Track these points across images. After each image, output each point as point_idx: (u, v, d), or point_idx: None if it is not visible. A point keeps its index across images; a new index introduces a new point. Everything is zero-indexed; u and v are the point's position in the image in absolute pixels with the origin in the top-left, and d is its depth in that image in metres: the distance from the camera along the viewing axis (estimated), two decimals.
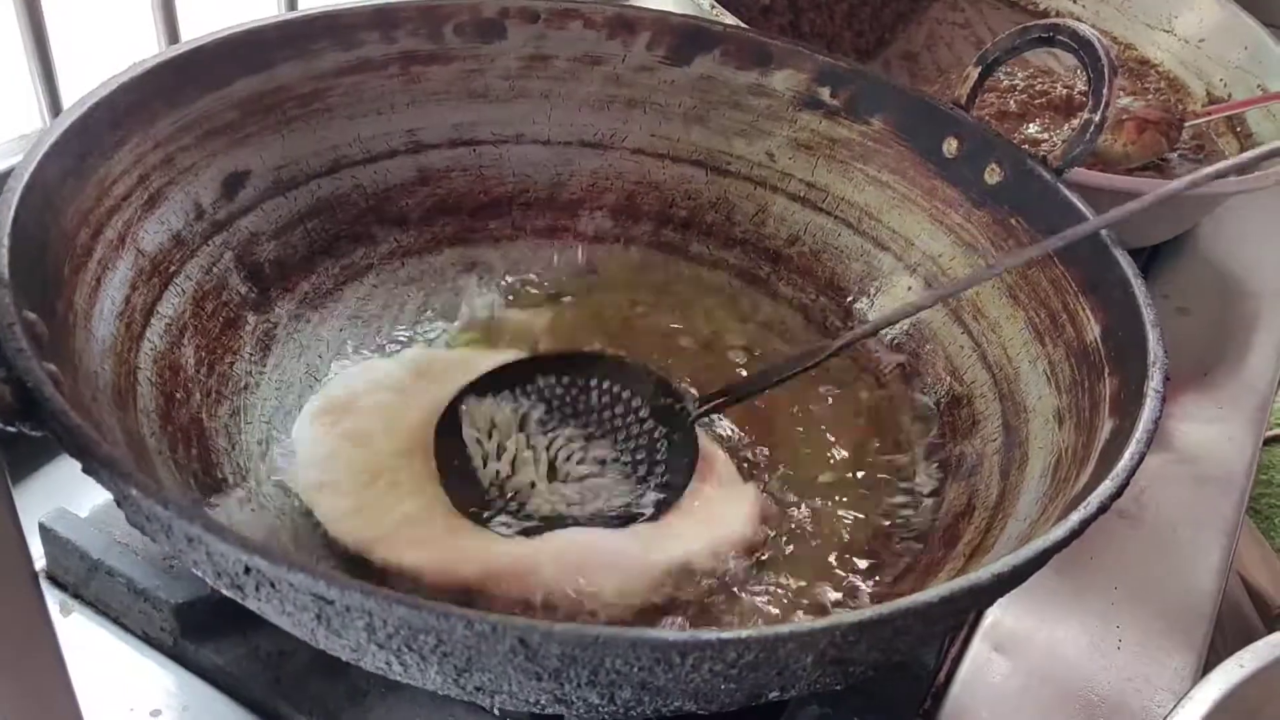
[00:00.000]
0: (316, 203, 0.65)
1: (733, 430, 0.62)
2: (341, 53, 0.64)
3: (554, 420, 0.59)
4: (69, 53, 0.68)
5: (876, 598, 0.54)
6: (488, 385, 0.59)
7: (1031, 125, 0.89)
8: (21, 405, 0.38)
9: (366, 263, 0.66)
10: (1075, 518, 0.42)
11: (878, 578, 0.55)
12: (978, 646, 0.59)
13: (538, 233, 0.72)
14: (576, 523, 0.54)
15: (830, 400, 0.65)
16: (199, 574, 0.39)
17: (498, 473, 0.56)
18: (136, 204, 0.54)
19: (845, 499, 0.60)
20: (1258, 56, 0.98)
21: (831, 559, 0.56)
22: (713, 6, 0.82)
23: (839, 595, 0.55)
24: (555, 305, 0.69)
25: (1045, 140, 0.87)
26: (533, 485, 0.56)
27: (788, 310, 0.71)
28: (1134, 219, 0.56)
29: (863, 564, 0.56)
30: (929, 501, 0.60)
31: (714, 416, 0.62)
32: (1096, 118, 0.60)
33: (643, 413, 0.59)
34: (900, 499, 0.60)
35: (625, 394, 0.59)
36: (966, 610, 0.54)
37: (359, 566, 0.52)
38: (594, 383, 0.59)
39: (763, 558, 0.56)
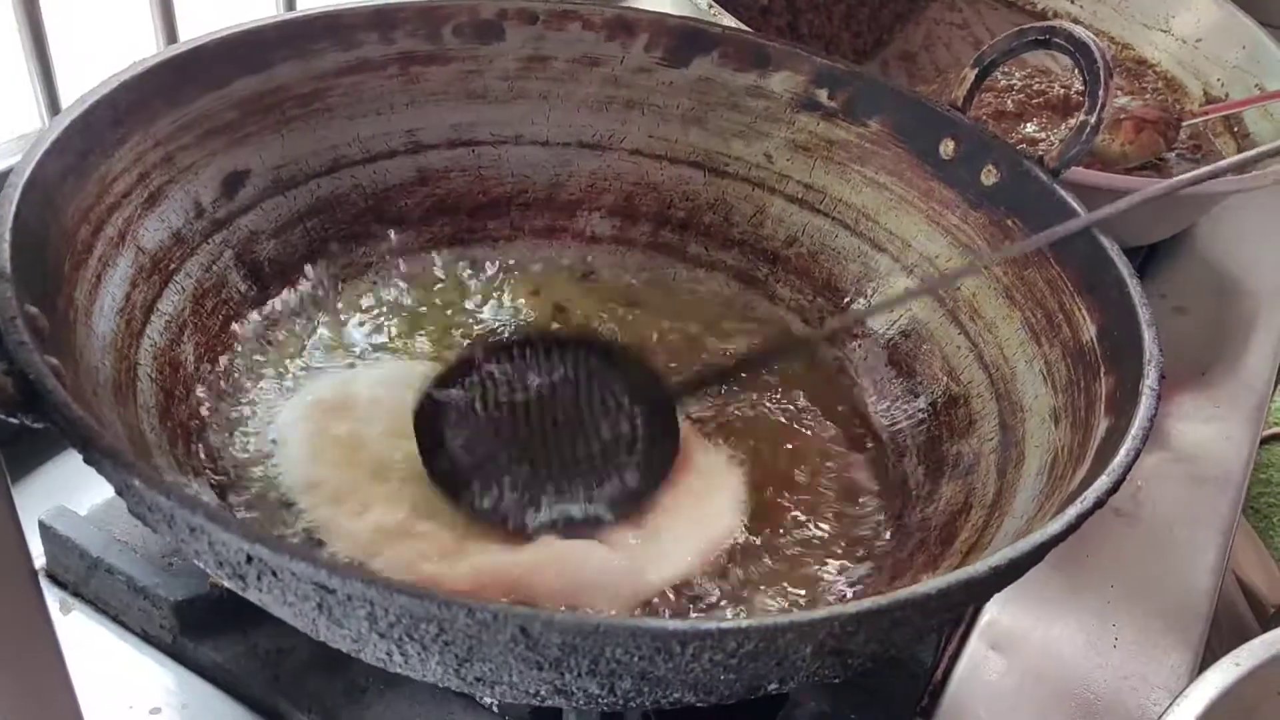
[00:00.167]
0: (316, 202, 0.65)
1: (719, 426, 0.62)
2: (341, 53, 0.65)
3: (532, 402, 0.56)
4: (68, 53, 0.69)
5: (873, 594, 0.54)
6: (464, 370, 0.56)
7: (1029, 125, 0.90)
8: (24, 397, 0.38)
9: (365, 262, 0.67)
10: (1071, 512, 0.42)
11: (875, 576, 0.56)
12: (975, 644, 0.59)
13: (536, 233, 0.72)
14: (562, 502, 0.54)
15: (822, 398, 0.65)
16: (200, 564, 0.40)
17: (480, 456, 0.55)
18: (137, 202, 0.55)
19: (837, 497, 0.60)
20: (1255, 56, 0.99)
21: (828, 558, 0.56)
22: (710, 8, 0.82)
23: (837, 592, 0.55)
24: (553, 306, 0.69)
25: (1042, 140, 0.87)
26: (515, 466, 0.54)
27: (785, 311, 0.71)
28: (1131, 218, 0.57)
29: (861, 564, 0.56)
30: (926, 500, 0.60)
31: (700, 414, 0.62)
32: (1093, 119, 0.61)
33: (623, 394, 0.57)
34: (896, 499, 0.60)
35: (605, 375, 0.57)
36: (964, 603, 0.55)
37: None
38: (573, 363, 0.57)
39: (754, 556, 0.56)
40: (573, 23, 0.69)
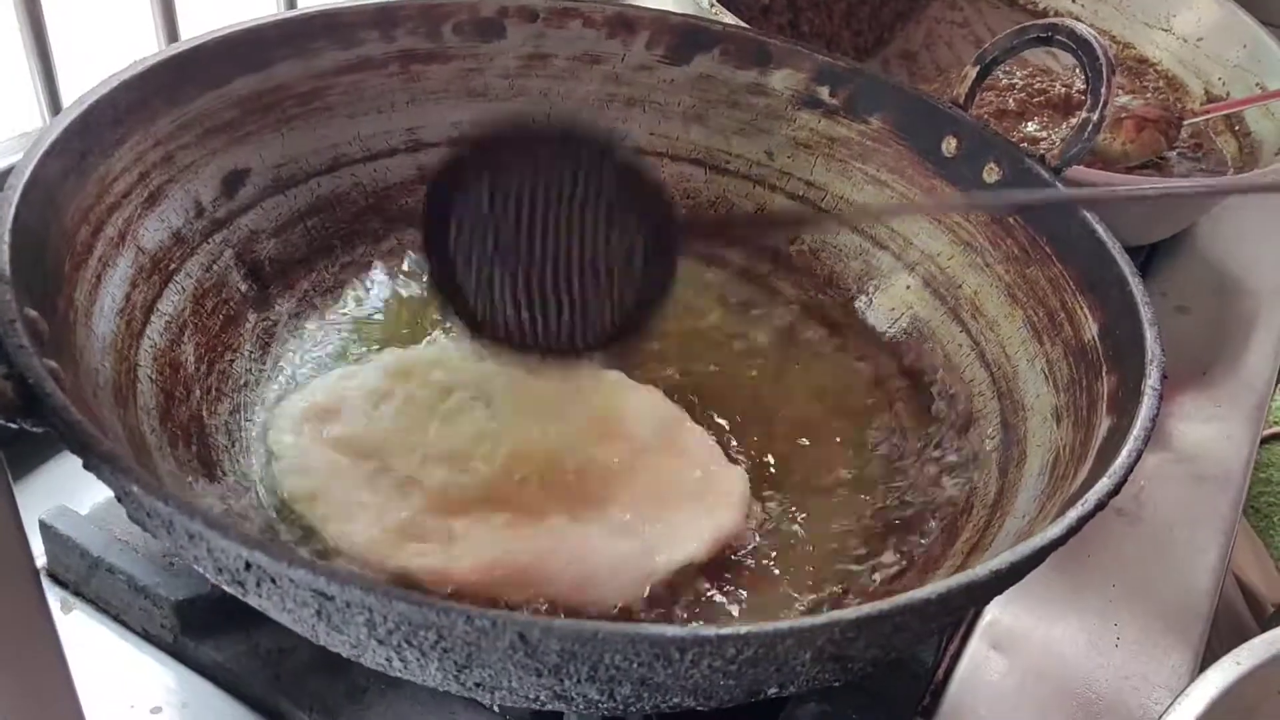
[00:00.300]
0: (316, 201, 0.65)
1: (721, 422, 0.62)
2: (341, 51, 0.64)
3: (538, 201, 0.51)
4: (69, 52, 0.69)
5: (873, 595, 0.54)
6: (469, 169, 0.52)
7: (1030, 123, 0.90)
8: (23, 401, 0.38)
9: (366, 260, 0.67)
10: (1073, 515, 0.42)
11: (875, 575, 0.55)
12: (976, 644, 0.59)
13: None
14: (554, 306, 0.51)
15: (824, 396, 0.65)
16: (200, 570, 0.40)
17: (479, 270, 0.52)
18: (137, 201, 0.55)
19: (840, 496, 0.60)
20: (1256, 55, 0.98)
21: (827, 556, 0.56)
22: (712, 5, 0.82)
23: (836, 591, 0.55)
24: None
25: (1044, 138, 0.87)
26: (507, 284, 0.52)
27: (787, 308, 0.71)
28: (1131, 217, 0.57)
29: (860, 563, 0.56)
30: (925, 500, 0.60)
31: (704, 412, 0.62)
32: (1095, 117, 0.61)
33: (629, 210, 0.52)
34: (897, 498, 0.60)
35: (615, 186, 0.51)
36: (965, 607, 0.55)
37: None
38: (585, 165, 0.51)
39: (756, 555, 0.56)
40: (573, 20, 0.69)
